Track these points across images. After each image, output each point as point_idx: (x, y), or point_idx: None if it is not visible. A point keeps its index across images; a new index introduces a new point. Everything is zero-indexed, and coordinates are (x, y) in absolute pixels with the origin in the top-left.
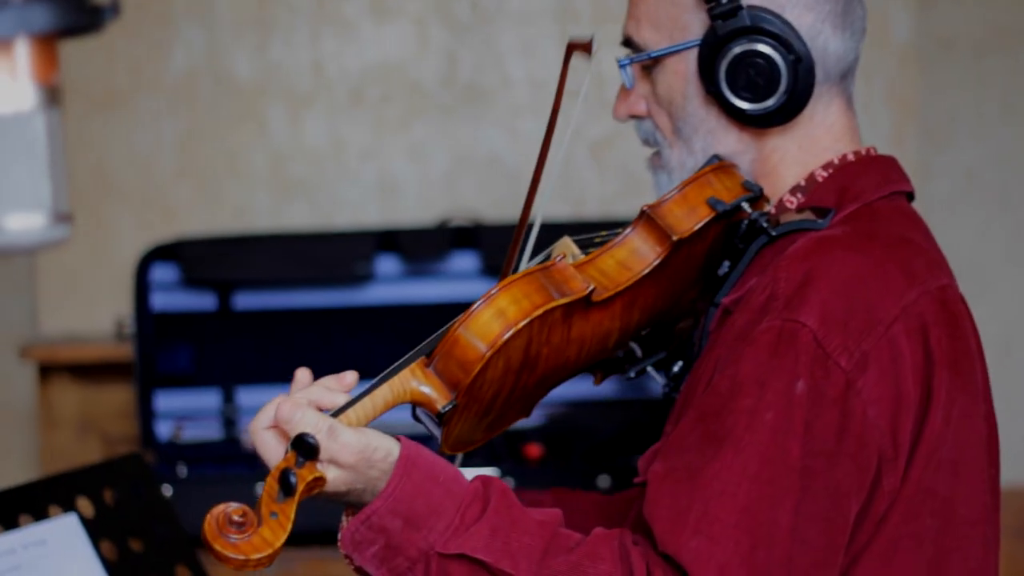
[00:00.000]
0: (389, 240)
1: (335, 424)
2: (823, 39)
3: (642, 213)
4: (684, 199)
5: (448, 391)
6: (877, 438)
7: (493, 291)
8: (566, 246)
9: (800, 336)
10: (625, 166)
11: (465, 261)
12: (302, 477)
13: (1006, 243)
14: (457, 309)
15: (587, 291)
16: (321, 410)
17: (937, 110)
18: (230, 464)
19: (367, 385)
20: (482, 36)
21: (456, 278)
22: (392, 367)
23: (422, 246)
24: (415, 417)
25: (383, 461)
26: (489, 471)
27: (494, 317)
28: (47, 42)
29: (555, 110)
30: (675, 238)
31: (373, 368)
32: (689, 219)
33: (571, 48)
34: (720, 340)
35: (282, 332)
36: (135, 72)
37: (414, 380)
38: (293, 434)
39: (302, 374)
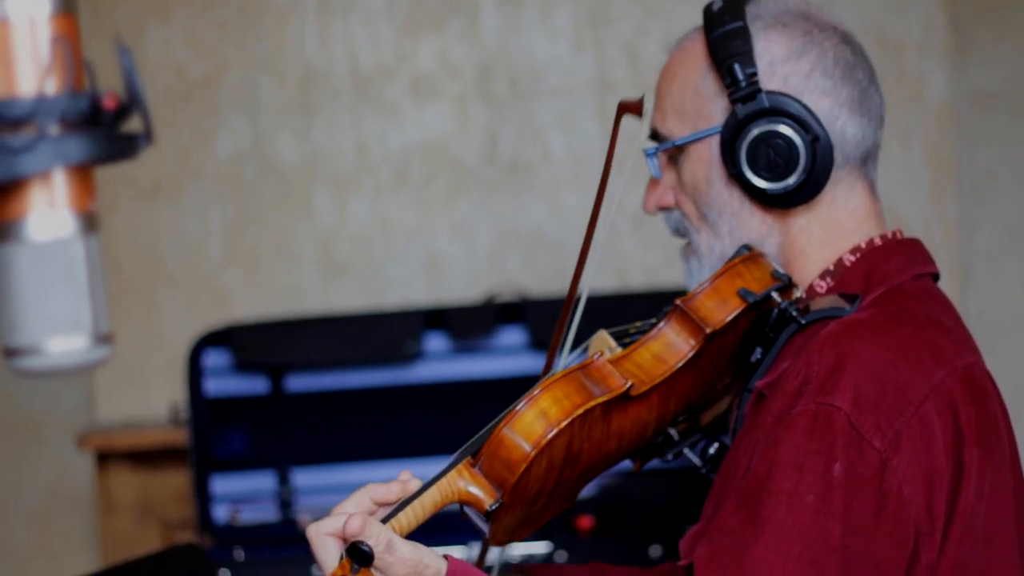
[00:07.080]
0: (437, 318)
1: (393, 539)
2: (840, 123)
3: (675, 307)
4: (715, 291)
5: (494, 490)
6: (913, 514)
7: (535, 391)
8: (603, 340)
9: (835, 419)
10: (667, 237)
11: (513, 336)
12: None
13: None
14: (506, 384)
15: (625, 387)
16: (382, 505)
17: (975, 166)
18: (287, 546)
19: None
20: (522, 112)
21: (504, 353)
22: (441, 470)
23: (470, 323)
24: (462, 514)
25: None
26: (541, 544)
27: (537, 417)
28: (83, 171)
29: (606, 170)
30: (708, 331)
31: (425, 445)
32: (721, 311)
33: (622, 109)
34: (757, 424)
35: (334, 412)
36: (182, 160)
37: (461, 480)
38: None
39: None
